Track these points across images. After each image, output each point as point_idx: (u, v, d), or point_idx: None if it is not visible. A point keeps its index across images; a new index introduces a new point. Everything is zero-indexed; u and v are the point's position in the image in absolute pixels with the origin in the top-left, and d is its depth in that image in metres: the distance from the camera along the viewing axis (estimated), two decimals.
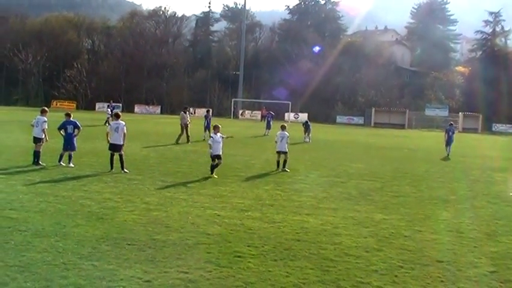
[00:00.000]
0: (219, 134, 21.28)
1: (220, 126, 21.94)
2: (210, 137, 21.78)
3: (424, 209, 16.16)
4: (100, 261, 9.75)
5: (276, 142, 24.26)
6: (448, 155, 35.04)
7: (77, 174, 19.46)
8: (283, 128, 24.53)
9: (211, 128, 22.44)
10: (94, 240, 11.02)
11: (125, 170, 20.40)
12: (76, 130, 22.05)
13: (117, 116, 21.71)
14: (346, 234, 12.55)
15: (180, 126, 36.86)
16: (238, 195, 16.83)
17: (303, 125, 44.51)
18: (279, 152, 23.81)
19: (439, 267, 10.43)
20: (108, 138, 20.91)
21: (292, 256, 10.68)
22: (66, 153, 21.71)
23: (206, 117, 40.81)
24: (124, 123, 21.07)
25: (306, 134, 42.48)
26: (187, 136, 36.09)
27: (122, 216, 13.21)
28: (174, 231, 12.08)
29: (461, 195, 19.56)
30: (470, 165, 30.36)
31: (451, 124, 38.24)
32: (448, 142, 35.78)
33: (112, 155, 20.73)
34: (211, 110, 45.09)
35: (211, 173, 20.65)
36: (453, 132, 36.47)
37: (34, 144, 21.85)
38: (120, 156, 20.65)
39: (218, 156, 20.89)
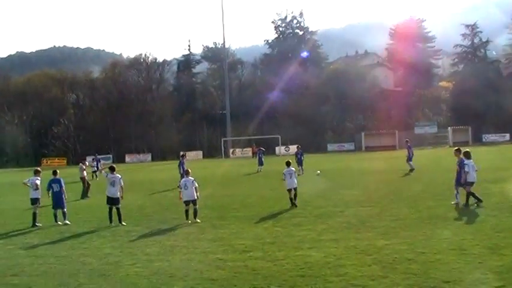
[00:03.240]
0: (190, 178, 20.74)
1: (190, 170, 21.72)
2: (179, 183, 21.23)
3: (425, 230, 16.13)
4: None
5: (283, 180, 23.71)
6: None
7: (74, 232, 19.41)
8: (288, 164, 24.03)
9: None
10: None
11: (123, 223, 20.32)
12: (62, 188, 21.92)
13: (112, 170, 21.66)
14: (350, 265, 12.50)
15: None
16: (238, 236, 16.79)
17: (296, 156, 44.11)
18: (290, 189, 23.20)
19: None
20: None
21: None
22: (60, 211, 21.65)
23: (181, 163, 36.05)
24: (120, 176, 21.09)
25: (300, 167, 42.04)
26: (87, 190, 32.57)
27: (124, 271, 13.14)
28: (178, 280, 12.03)
29: (460, 211, 19.56)
30: None
31: (407, 141, 41.57)
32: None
33: (110, 209, 20.68)
34: (186, 154, 40.96)
35: (186, 218, 20.24)
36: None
37: (32, 206, 21.87)
38: (118, 209, 20.61)
39: (188, 202, 20.37)
